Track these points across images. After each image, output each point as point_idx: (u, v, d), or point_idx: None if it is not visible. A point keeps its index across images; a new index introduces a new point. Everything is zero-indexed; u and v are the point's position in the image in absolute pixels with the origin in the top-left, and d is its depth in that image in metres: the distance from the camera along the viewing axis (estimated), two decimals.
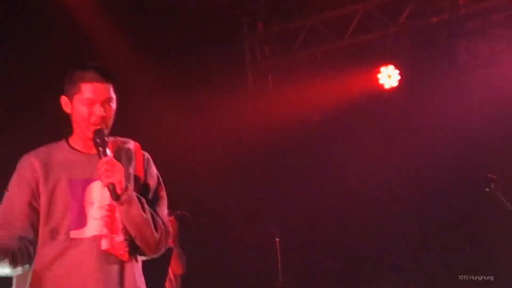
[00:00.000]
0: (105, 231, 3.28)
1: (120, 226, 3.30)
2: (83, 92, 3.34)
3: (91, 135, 3.32)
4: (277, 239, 7.69)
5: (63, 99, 3.40)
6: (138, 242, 3.32)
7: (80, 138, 3.40)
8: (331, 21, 8.33)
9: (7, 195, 3.36)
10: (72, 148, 3.42)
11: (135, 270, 3.35)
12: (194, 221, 6.75)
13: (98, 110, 3.32)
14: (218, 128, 8.26)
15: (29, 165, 3.37)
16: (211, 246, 8.02)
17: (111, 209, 3.28)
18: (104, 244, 3.27)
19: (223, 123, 8.29)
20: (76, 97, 3.35)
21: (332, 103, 8.44)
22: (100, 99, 3.34)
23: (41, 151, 3.43)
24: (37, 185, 3.33)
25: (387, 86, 8.37)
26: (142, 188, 3.40)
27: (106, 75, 3.36)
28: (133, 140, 3.46)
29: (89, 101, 3.33)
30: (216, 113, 8.31)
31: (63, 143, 3.45)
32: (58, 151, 3.42)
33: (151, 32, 7.81)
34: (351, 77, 8.42)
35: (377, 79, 8.39)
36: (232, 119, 8.32)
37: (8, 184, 3.38)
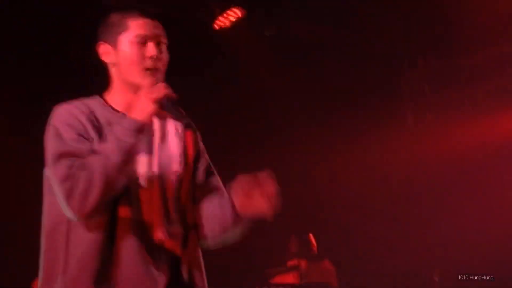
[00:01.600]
0: (156, 216, 2.65)
1: (176, 210, 2.72)
2: (131, 28, 2.72)
3: (144, 83, 2.67)
4: (436, 278, 7.60)
5: (103, 47, 2.76)
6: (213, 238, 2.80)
7: (122, 93, 2.76)
8: (493, 58, 8.25)
9: (64, 147, 2.57)
10: (112, 107, 2.74)
11: (194, 265, 2.73)
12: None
13: (153, 50, 2.71)
14: (377, 163, 8.31)
15: (75, 118, 2.64)
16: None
17: None
18: (157, 234, 2.64)
19: (382, 158, 8.33)
20: (123, 37, 2.72)
21: (491, 141, 8.32)
22: (154, 37, 2.73)
23: (80, 104, 2.70)
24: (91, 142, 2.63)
25: None
26: (194, 173, 2.83)
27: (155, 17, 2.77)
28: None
29: (141, 39, 2.71)
30: (375, 148, 8.35)
31: (99, 100, 2.76)
32: (99, 108, 2.72)
33: (312, 66, 7.99)
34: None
35: None
36: (391, 154, 8.34)
37: (49, 143, 2.61)
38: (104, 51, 2.76)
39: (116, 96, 2.77)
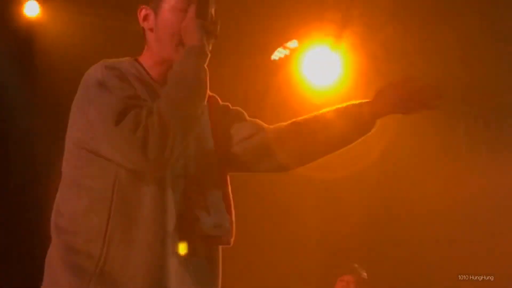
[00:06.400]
0: None
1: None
2: None
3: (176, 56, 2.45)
4: None
5: (144, 11, 2.53)
6: None
7: (158, 61, 2.52)
8: None
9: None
10: (151, 77, 2.49)
11: None
12: None
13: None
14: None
15: (124, 77, 2.40)
16: None
17: None
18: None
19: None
20: (167, 4, 2.49)
21: None
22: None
23: (122, 67, 2.44)
24: None
25: None
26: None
27: None
28: None
29: (183, 8, 2.46)
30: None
31: (136, 66, 2.51)
32: (138, 76, 2.46)
33: None
34: None
35: None
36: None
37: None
38: (145, 16, 2.53)
39: (153, 62, 2.53)
